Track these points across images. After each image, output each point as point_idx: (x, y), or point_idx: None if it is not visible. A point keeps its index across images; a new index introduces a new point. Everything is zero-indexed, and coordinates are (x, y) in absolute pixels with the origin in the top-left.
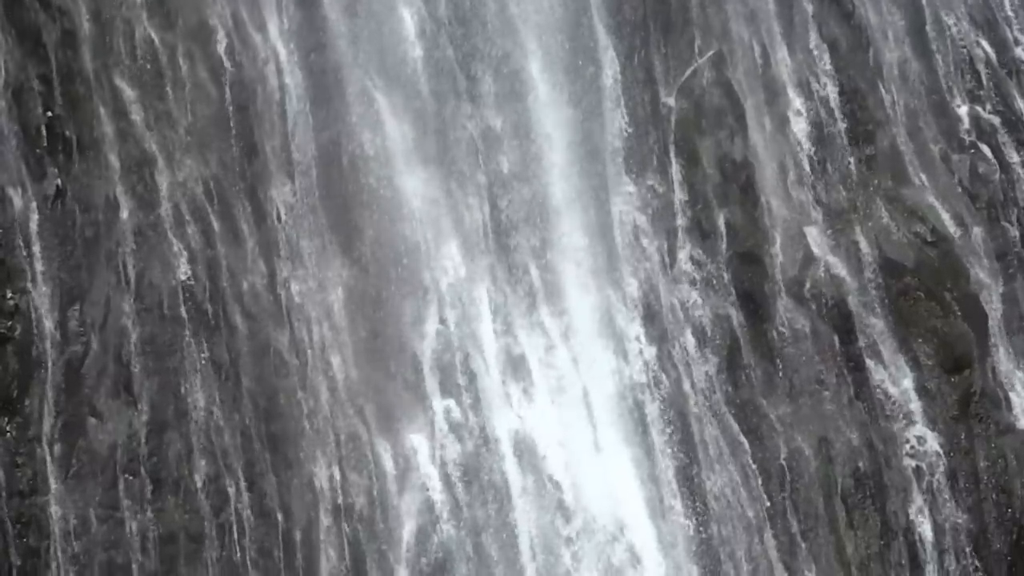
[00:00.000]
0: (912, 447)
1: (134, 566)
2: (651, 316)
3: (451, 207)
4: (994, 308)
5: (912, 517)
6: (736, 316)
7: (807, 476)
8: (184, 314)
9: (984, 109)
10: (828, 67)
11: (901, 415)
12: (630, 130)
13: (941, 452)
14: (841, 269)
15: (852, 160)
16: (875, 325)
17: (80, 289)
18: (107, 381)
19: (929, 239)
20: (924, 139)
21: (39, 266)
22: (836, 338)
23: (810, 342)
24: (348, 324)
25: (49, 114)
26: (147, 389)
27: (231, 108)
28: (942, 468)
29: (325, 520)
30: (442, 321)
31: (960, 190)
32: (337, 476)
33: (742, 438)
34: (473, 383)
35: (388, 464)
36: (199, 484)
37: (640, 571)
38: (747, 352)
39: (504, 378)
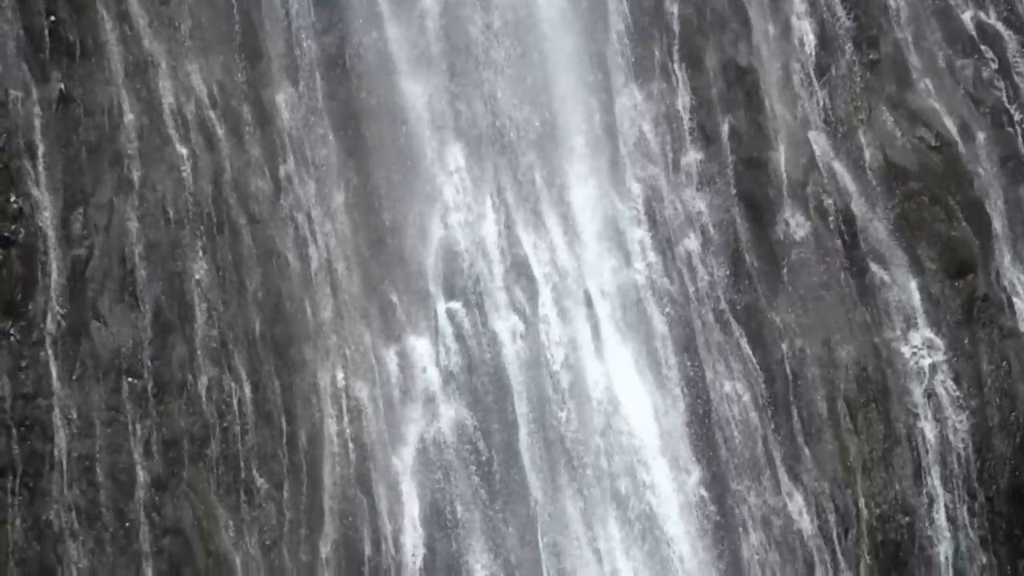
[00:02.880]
0: (916, 351)
1: (138, 468)
2: (654, 220)
3: (455, 112)
4: (998, 213)
5: (915, 421)
6: (739, 220)
7: (810, 380)
8: (188, 217)
9: (988, 15)
10: None
11: (905, 319)
12: (634, 35)
13: (945, 356)
14: (845, 174)
15: (856, 65)
16: (879, 229)
17: (83, 193)
18: (111, 284)
19: (933, 144)
20: (928, 45)
21: (42, 170)
22: (840, 242)
23: (813, 246)
24: (352, 228)
25: (52, 18)
26: (151, 292)
27: (235, 12)
28: (946, 372)
29: (329, 423)
30: (446, 225)
31: (964, 96)
32: (341, 379)
33: (745, 342)
34: (477, 286)
35: (392, 367)
36: (203, 387)
37: (642, 468)
38: (750, 256)
39: (507, 281)
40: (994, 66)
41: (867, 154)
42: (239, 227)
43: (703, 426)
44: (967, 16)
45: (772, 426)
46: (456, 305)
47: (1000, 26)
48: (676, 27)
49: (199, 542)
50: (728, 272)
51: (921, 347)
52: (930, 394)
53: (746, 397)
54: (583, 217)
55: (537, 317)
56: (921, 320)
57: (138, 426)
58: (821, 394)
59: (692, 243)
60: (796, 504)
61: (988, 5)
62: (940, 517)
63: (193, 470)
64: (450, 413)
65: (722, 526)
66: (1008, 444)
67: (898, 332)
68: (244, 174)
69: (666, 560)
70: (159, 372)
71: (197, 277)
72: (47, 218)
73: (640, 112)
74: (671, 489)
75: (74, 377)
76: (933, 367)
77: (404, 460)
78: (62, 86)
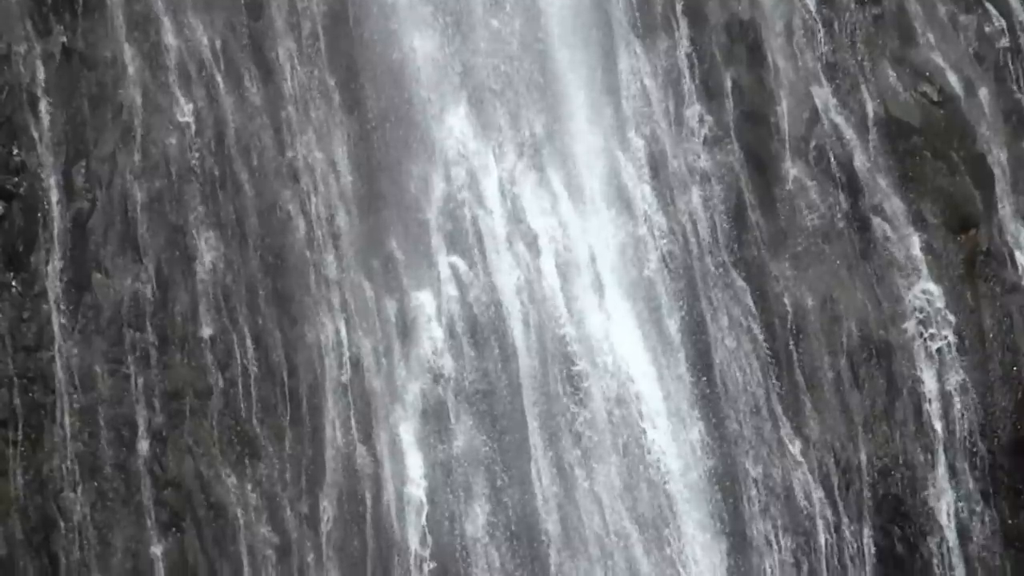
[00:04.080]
0: (918, 306)
1: (140, 421)
2: (657, 175)
3: (458, 66)
4: (1000, 168)
5: (917, 375)
6: (742, 175)
7: (812, 334)
8: (190, 171)
9: None
10: None
11: (907, 274)
12: None
13: (947, 311)
14: (847, 129)
15: (859, 20)
16: (881, 184)
17: (86, 146)
18: (113, 237)
19: (936, 99)
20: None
21: (45, 123)
22: (842, 197)
23: (816, 201)
24: (354, 181)
25: None
26: (153, 246)
27: None
28: (948, 327)
29: (331, 376)
30: (448, 179)
31: (967, 51)
32: (343, 333)
33: (747, 296)
34: (479, 241)
35: (394, 321)
36: (205, 340)
37: (644, 424)
38: (753, 211)
39: (510, 236)
40: (998, 22)
41: (869, 109)
42: (241, 181)
43: (705, 379)
44: None
45: (774, 380)
46: (457, 259)
47: None
48: None
49: (200, 494)
50: (731, 227)
51: (923, 302)
52: (932, 348)
53: (748, 352)
54: (585, 172)
55: (540, 272)
56: (923, 274)
57: (140, 378)
58: (823, 348)
59: (695, 198)
60: (798, 458)
61: None
62: (942, 471)
63: (195, 423)
64: (453, 367)
65: (723, 481)
66: (1009, 398)
67: (900, 286)
68: (246, 128)
69: (663, 502)
70: (161, 325)
71: (199, 230)
72: (49, 171)
73: (642, 67)
74: (669, 439)
75: (76, 329)
76: (935, 322)
77: (405, 414)
78: (64, 40)
